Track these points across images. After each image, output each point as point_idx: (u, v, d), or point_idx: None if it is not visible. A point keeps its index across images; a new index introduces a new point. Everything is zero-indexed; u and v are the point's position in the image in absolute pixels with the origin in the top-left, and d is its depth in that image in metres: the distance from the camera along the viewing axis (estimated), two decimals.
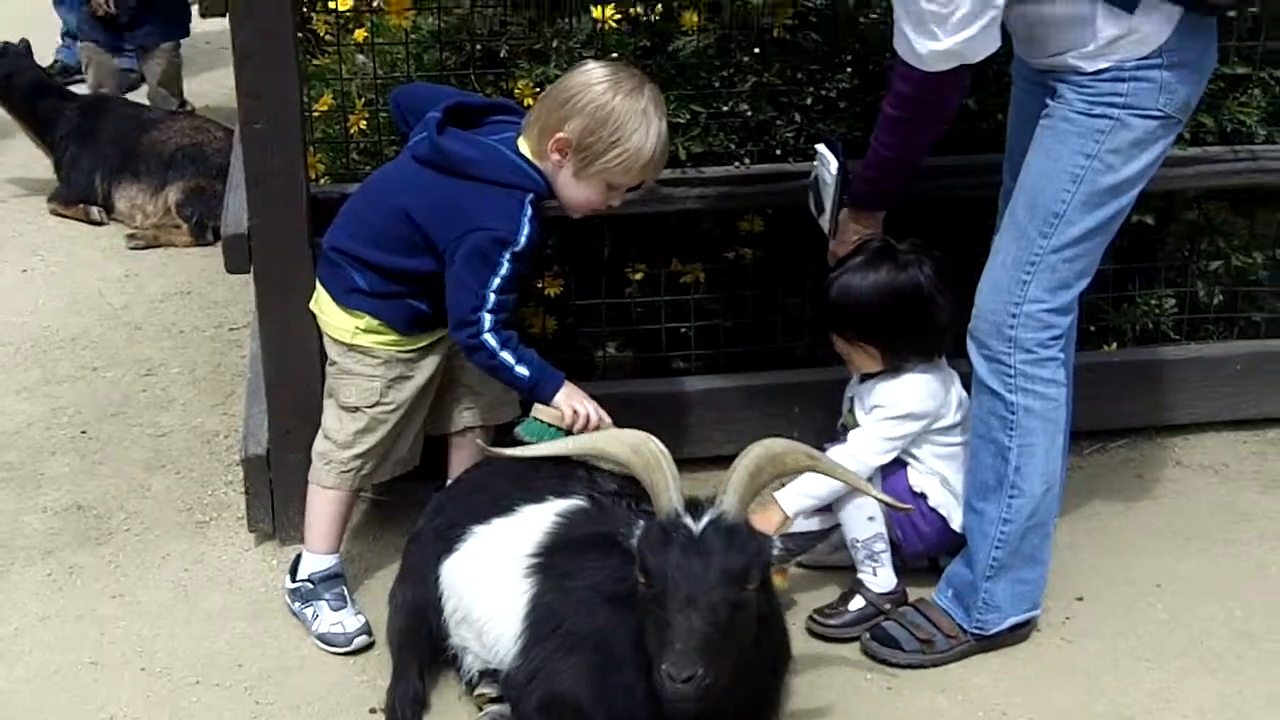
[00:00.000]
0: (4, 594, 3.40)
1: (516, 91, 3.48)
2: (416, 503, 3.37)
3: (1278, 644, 3.24)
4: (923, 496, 3.29)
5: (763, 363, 3.85)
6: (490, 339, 3.01)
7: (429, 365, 3.24)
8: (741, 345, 3.84)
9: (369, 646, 3.20)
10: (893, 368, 3.28)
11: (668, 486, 2.59)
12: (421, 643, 3.05)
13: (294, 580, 3.30)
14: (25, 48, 5.92)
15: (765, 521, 3.09)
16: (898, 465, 3.30)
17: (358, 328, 3.16)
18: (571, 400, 3.07)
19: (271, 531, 3.57)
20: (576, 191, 3.08)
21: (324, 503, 3.29)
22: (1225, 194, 3.94)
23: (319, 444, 3.29)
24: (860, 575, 3.27)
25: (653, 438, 2.66)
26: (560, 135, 3.00)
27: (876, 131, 3.22)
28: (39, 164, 5.99)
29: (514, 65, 3.53)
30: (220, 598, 3.39)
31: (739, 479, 2.59)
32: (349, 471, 3.26)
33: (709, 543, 2.53)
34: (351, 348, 3.18)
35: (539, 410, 3.09)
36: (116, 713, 3.02)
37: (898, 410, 3.24)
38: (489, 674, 2.95)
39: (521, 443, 3.04)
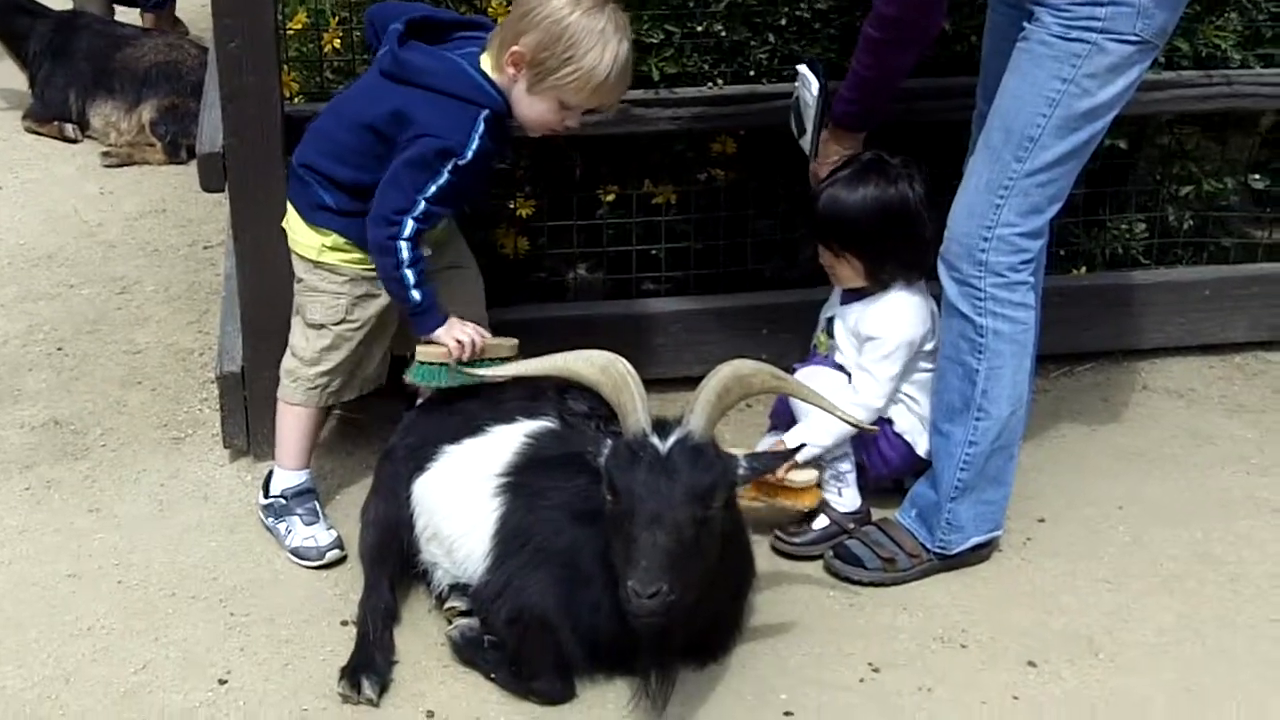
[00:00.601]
0: None
1: (491, 10, 3.46)
2: (388, 420, 3.41)
3: (1237, 566, 3.29)
4: (889, 422, 3.32)
5: (733, 285, 3.87)
6: (404, 247, 2.99)
7: None
8: (712, 267, 3.86)
9: (341, 560, 3.24)
10: (876, 284, 3.29)
11: (635, 407, 2.62)
12: (392, 557, 3.08)
13: (266, 496, 3.33)
14: None
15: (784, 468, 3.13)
16: None
17: (324, 245, 3.16)
18: (451, 332, 3.07)
19: (246, 447, 3.59)
20: (530, 109, 3.04)
21: (293, 419, 3.31)
22: (1198, 119, 3.94)
23: (286, 361, 3.30)
24: (825, 494, 3.31)
25: (621, 359, 2.69)
26: (515, 49, 2.96)
27: (857, 52, 3.22)
28: (13, 80, 5.95)
29: None
30: (196, 512, 3.42)
31: (706, 399, 2.63)
32: (315, 389, 3.28)
33: (675, 462, 2.57)
34: (318, 264, 3.18)
35: (423, 353, 3.09)
36: (94, 624, 3.06)
37: (894, 341, 3.24)
38: (459, 588, 2.99)
39: (414, 389, 3.13)
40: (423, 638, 3.03)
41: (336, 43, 3.58)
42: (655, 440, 2.61)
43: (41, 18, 5.85)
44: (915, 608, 3.14)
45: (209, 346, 4.07)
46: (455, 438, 3.05)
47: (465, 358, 3.07)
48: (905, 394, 3.33)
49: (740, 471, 2.71)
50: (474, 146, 2.97)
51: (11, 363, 4.05)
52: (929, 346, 3.31)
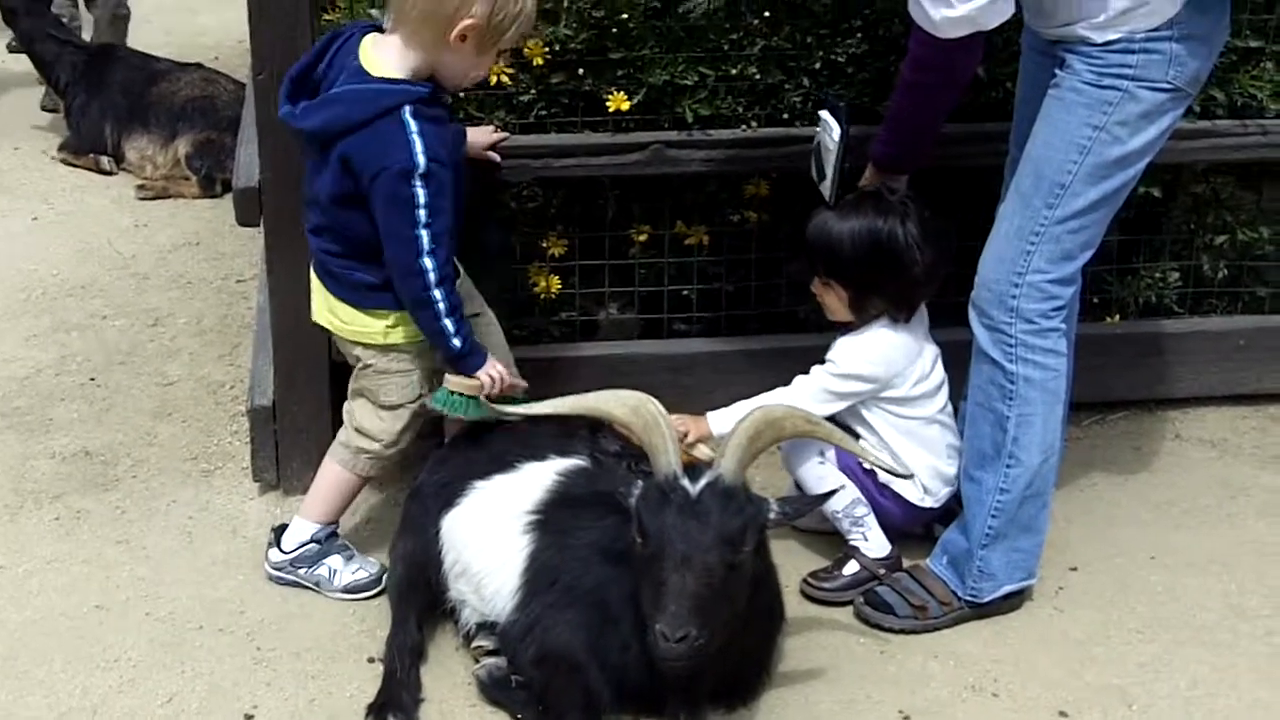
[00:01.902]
0: (13, 537, 3.44)
1: (526, 51, 3.48)
2: (417, 457, 3.41)
3: (1272, 618, 3.26)
4: (871, 474, 3.29)
5: (764, 326, 3.87)
6: (438, 296, 2.95)
7: None
8: (744, 309, 3.86)
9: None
10: (859, 317, 3.28)
11: (666, 448, 2.62)
12: (420, 595, 3.08)
13: (286, 550, 3.27)
14: None
15: (694, 429, 3.14)
16: (850, 437, 3.28)
17: (388, 327, 3.10)
18: (486, 368, 3.07)
19: (275, 481, 3.60)
20: (474, 68, 3.01)
21: (347, 483, 3.28)
22: (1233, 168, 3.92)
23: (357, 440, 3.23)
24: (852, 541, 3.29)
25: (652, 399, 2.69)
26: (468, 23, 2.88)
27: (894, 94, 3.24)
28: (46, 114, 6.00)
29: None
30: (224, 545, 3.43)
31: (737, 442, 2.62)
32: (388, 461, 3.28)
33: (706, 504, 2.57)
34: (386, 348, 3.14)
35: (454, 383, 3.08)
36: (121, 656, 3.06)
37: (845, 368, 3.24)
38: (486, 627, 2.99)
39: (435, 413, 3.12)
40: (450, 676, 3.02)
41: None
42: (686, 482, 2.60)
43: (71, 47, 5.90)
44: (946, 656, 3.12)
45: (240, 380, 4.08)
46: (485, 474, 3.05)
47: (496, 393, 3.06)
48: (885, 441, 3.30)
49: (771, 515, 2.69)
50: (419, 148, 2.88)
51: (43, 393, 4.07)
52: (901, 391, 3.27)
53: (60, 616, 3.17)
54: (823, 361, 3.33)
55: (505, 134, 3.48)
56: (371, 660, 3.05)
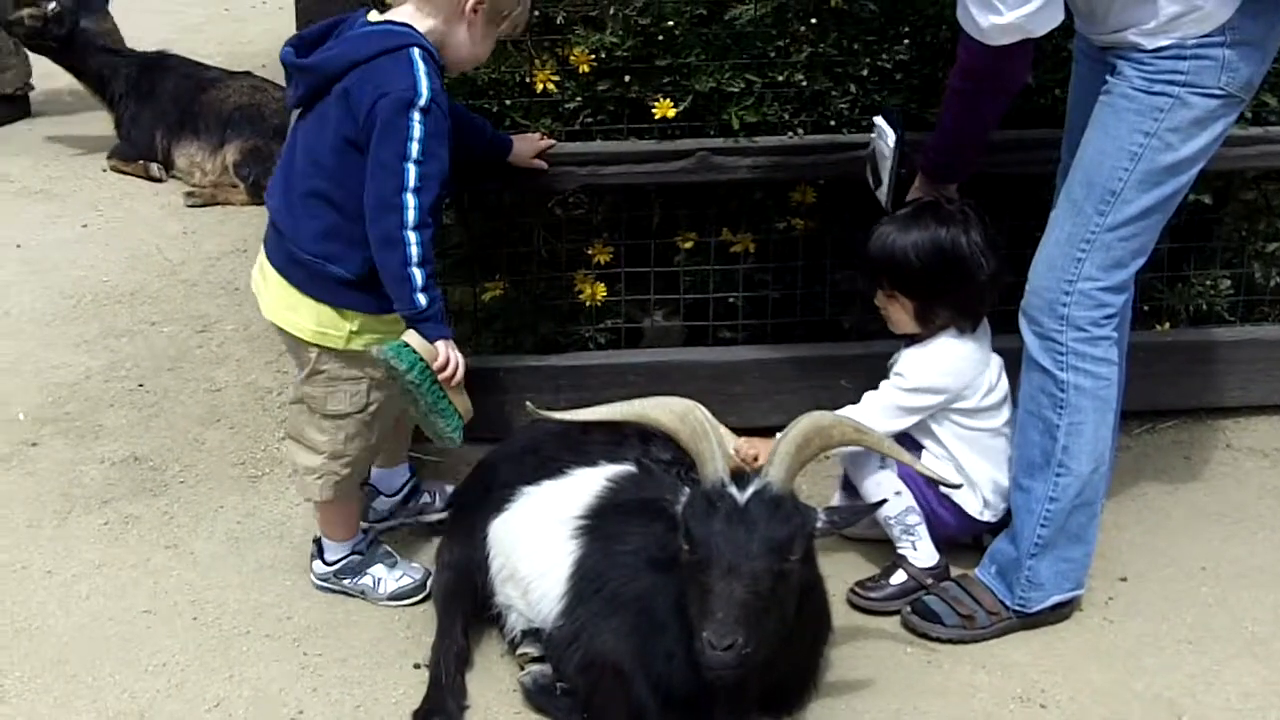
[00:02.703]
0: (62, 541, 3.47)
1: (573, 58, 3.49)
2: (464, 462, 3.41)
3: None
4: (933, 484, 3.26)
5: (810, 334, 3.85)
6: (412, 239, 2.82)
7: None
8: (790, 316, 3.85)
9: None
10: (926, 328, 3.27)
11: (714, 455, 2.61)
12: (467, 600, 3.09)
13: (329, 563, 3.27)
14: (75, 3, 5.95)
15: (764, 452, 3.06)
16: (913, 447, 3.28)
17: (352, 330, 3.02)
18: (449, 345, 2.93)
19: None
20: (478, 49, 3.02)
21: (330, 511, 3.24)
22: None
23: (306, 460, 3.14)
24: (900, 550, 3.27)
25: (700, 406, 2.68)
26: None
27: (943, 103, 3.23)
28: (98, 121, 6.06)
29: (570, 31, 3.54)
30: (271, 550, 3.44)
31: (785, 450, 2.61)
32: (344, 480, 3.16)
33: (753, 512, 2.55)
34: (342, 354, 3.05)
35: (409, 335, 2.90)
36: (169, 660, 3.08)
37: (915, 381, 3.22)
38: (532, 634, 2.99)
39: (380, 363, 2.90)
40: (495, 683, 3.02)
41: None
42: (734, 490, 2.59)
43: (125, 57, 5.96)
44: (994, 666, 3.09)
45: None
46: (534, 479, 3.05)
47: (447, 374, 2.91)
48: (950, 451, 3.29)
49: (819, 524, 2.68)
50: (425, 84, 2.83)
51: (93, 399, 4.10)
52: (971, 403, 3.26)
53: (108, 621, 3.20)
54: (887, 375, 3.31)
55: (552, 141, 3.48)
56: (417, 666, 3.05)
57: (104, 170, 5.88)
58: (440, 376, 2.91)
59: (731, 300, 3.82)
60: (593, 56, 3.48)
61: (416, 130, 2.81)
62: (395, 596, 3.25)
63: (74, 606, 3.24)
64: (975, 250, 3.18)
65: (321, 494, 3.16)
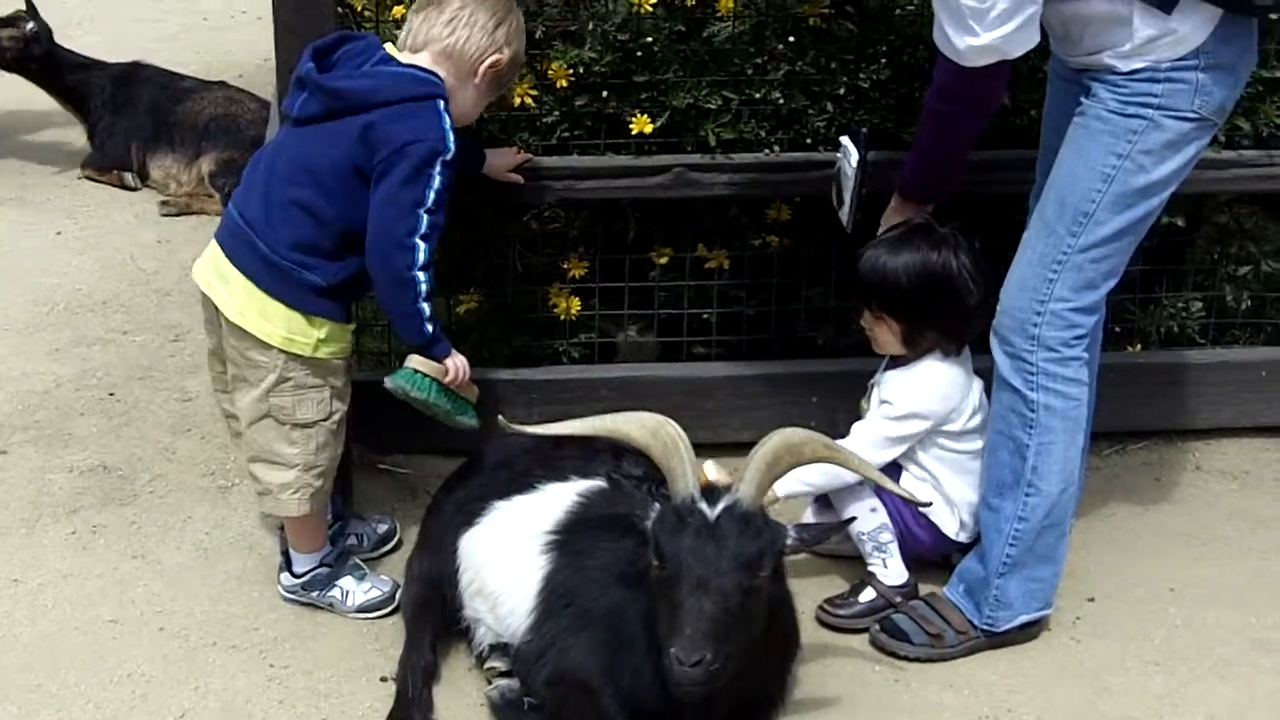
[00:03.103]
0: (29, 550, 3.45)
1: (551, 73, 3.49)
2: (435, 475, 3.41)
3: None
4: (910, 502, 3.28)
5: (784, 351, 3.85)
6: (421, 279, 2.94)
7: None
8: (764, 333, 3.85)
9: None
10: (911, 350, 3.27)
11: (684, 471, 2.61)
12: (435, 613, 3.08)
13: (297, 575, 3.25)
14: (47, 26, 5.91)
15: None
16: (893, 468, 3.28)
17: (319, 339, 3.03)
18: (455, 358, 3.08)
19: None
20: (474, 110, 3.15)
21: (302, 525, 3.22)
22: (1258, 198, 3.90)
23: (278, 477, 3.12)
24: (870, 567, 3.27)
25: (672, 422, 2.68)
26: (496, 58, 3.04)
27: (920, 124, 3.23)
28: (73, 128, 6.03)
29: (549, 46, 3.54)
30: (239, 562, 3.43)
31: (755, 467, 2.61)
32: (318, 490, 3.15)
33: (723, 528, 2.55)
34: (310, 361, 3.05)
35: (415, 360, 3.06)
36: (134, 670, 3.06)
37: (904, 408, 3.22)
38: (500, 648, 2.98)
39: (397, 393, 3.05)
40: (462, 697, 3.01)
41: None
42: (704, 506, 2.59)
43: (100, 70, 5.93)
44: (961, 685, 3.10)
45: None
46: (505, 493, 3.05)
47: (457, 382, 3.07)
48: (930, 473, 3.29)
49: (789, 541, 2.68)
50: (451, 136, 2.95)
51: (63, 407, 4.08)
52: (956, 425, 3.26)
53: (74, 631, 3.17)
54: (866, 395, 3.31)
55: (528, 156, 3.49)
56: (384, 679, 3.04)
57: (78, 179, 5.86)
58: (453, 385, 3.07)
59: (706, 316, 3.82)
60: (571, 71, 3.49)
61: (437, 181, 2.92)
62: (363, 609, 3.24)
63: (40, 615, 3.22)
64: (965, 274, 3.19)
65: (299, 509, 3.14)
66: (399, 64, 3.01)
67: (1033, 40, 2.83)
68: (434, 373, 3.06)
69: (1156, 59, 2.83)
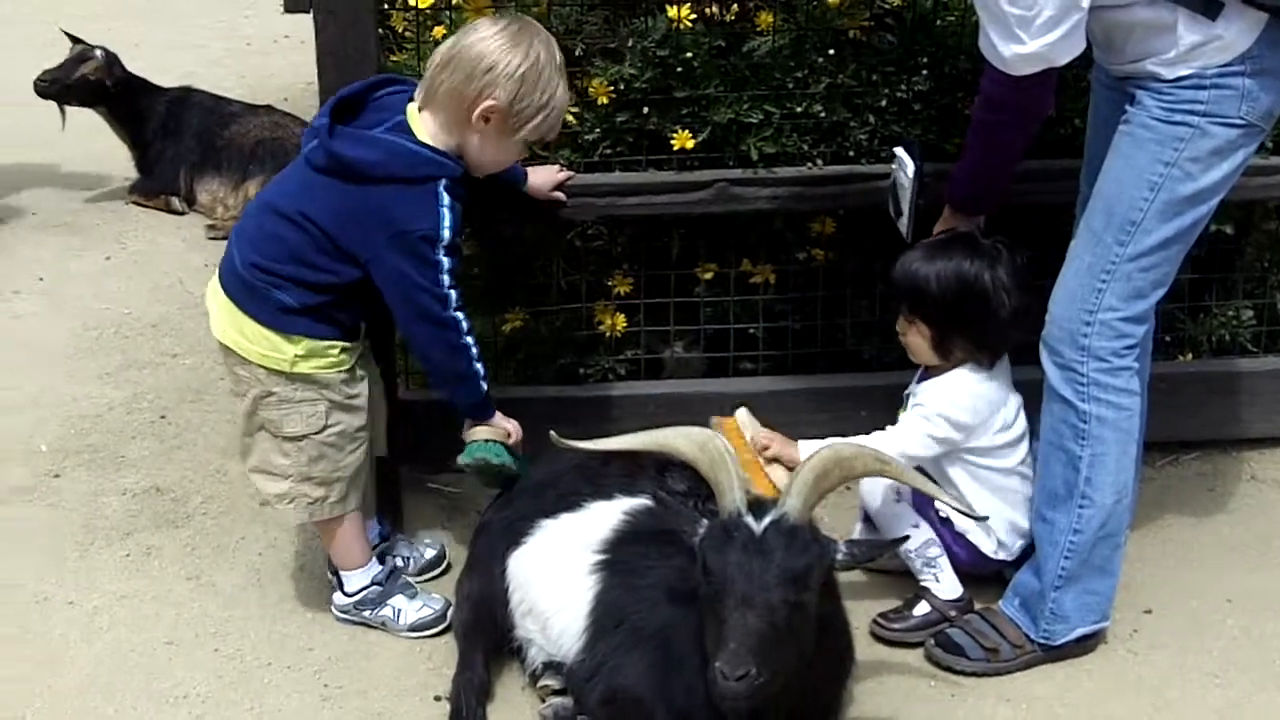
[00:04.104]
0: (85, 573, 3.48)
1: (591, 90, 3.50)
2: (484, 494, 3.41)
3: None
4: (947, 522, 3.27)
5: (830, 365, 3.84)
6: (470, 342, 3.02)
7: (364, 387, 3.18)
8: (810, 347, 3.84)
9: None
10: (943, 359, 3.26)
11: (731, 485, 2.60)
12: (487, 633, 3.08)
13: (349, 594, 3.27)
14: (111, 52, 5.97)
15: (782, 448, 3.16)
16: None
17: (297, 355, 3.04)
18: (503, 419, 3.16)
19: None
20: (499, 155, 3.04)
21: (331, 538, 3.24)
22: None
23: (272, 487, 3.16)
24: (923, 582, 3.26)
25: (720, 436, 2.67)
26: (490, 104, 2.92)
27: (968, 136, 3.23)
28: (120, 153, 6.09)
29: (589, 64, 3.56)
30: (292, 582, 3.45)
31: (803, 480, 2.59)
32: (316, 502, 3.16)
33: (769, 543, 2.54)
34: (292, 377, 3.06)
35: (483, 431, 3.13)
36: (190, 692, 3.08)
37: (934, 407, 3.21)
38: (552, 666, 2.98)
39: (478, 467, 3.14)
40: (516, 715, 3.01)
41: None
42: (750, 520, 2.58)
43: (157, 94, 5.99)
44: (1018, 699, 3.07)
45: None
46: (552, 512, 3.04)
47: (516, 439, 3.15)
48: (963, 493, 3.27)
49: (839, 557, 2.65)
50: (447, 223, 2.93)
51: (115, 430, 4.12)
52: (985, 441, 3.24)
53: (130, 652, 3.20)
54: (903, 406, 3.30)
55: (570, 173, 3.49)
56: (438, 698, 3.05)
57: (126, 204, 5.92)
58: (514, 443, 3.16)
59: (751, 331, 3.81)
60: (611, 88, 3.49)
61: (445, 264, 2.94)
62: (416, 628, 3.25)
63: (95, 637, 3.25)
64: (998, 286, 3.17)
65: (295, 517, 3.19)
66: (408, 134, 2.96)
67: (1079, 47, 2.81)
68: (499, 436, 3.13)
69: (1202, 65, 2.81)
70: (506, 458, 3.13)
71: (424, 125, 2.98)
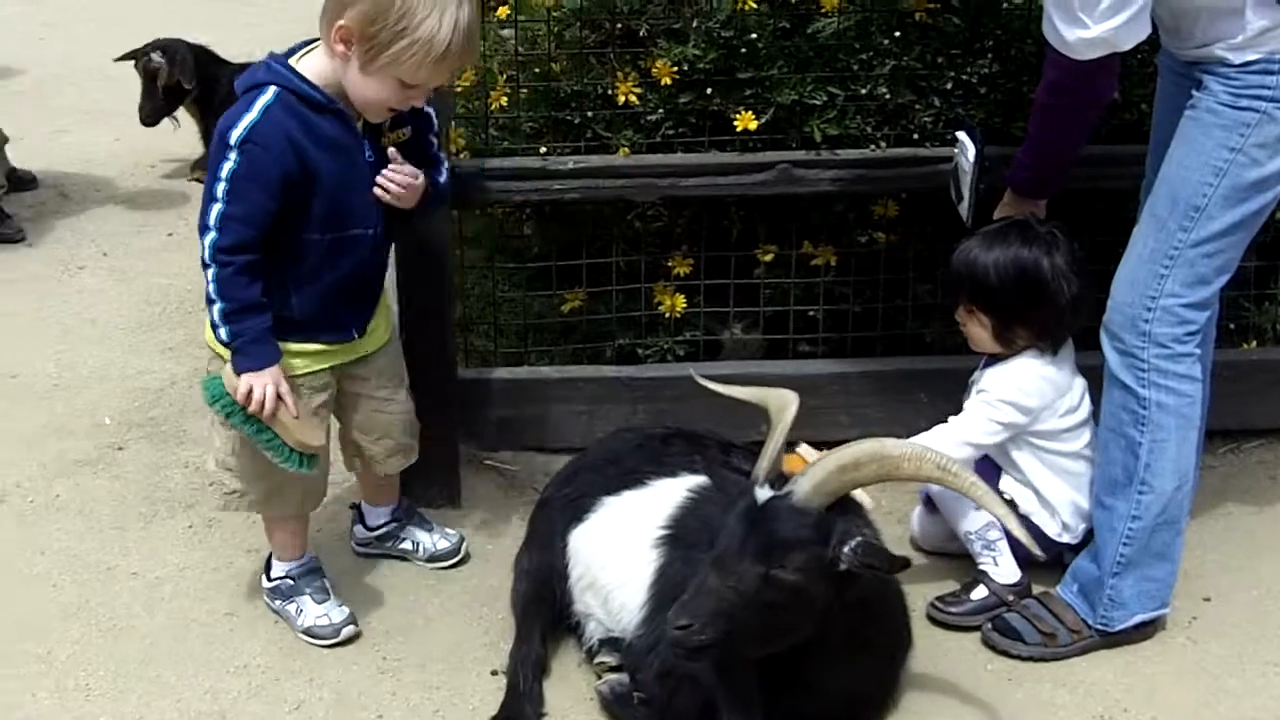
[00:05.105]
0: (148, 544, 3.52)
1: (655, 70, 3.50)
2: (541, 471, 3.43)
3: None
4: (1011, 503, 3.23)
5: (891, 349, 3.84)
6: (207, 275, 2.75)
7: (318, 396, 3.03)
8: (870, 330, 3.83)
9: (356, 637, 3.17)
10: (1005, 348, 3.24)
11: (766, 453, 2.59)
12: (545, 608, 3.09)
13: (269, 579, 3.25)
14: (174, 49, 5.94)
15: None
16: (992, 472, 3.26)
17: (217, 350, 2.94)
18: (254, 380, 2.80)
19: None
20: (367, 89, 2.74)
21: (269, 525, 3.23)
22: None
23: (207, 463, 3.16)
24: (981, 565, 3.25)
25: (795, 405, 2.66)
26: (340, 24, 2.68)
27: (1031, 120, 3.21)
28: (184, 130, 6.15)
29: (653, 44, 3.57)
30: (350, 556, 3.47)
31: (824, 465, 2.51)
32: (233, 494, 3.09)
33: (764, 514, 2.52)
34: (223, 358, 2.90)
35: (226, 370, 2.85)
36: (250, 662, 3.11)
37: (998, 393, 3.19)
38: (610, 643, 2.99)
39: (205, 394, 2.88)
40: (572, 690, 3.03)
41: (504, 100, 3.64)
42: (758, 490, 2.56)
43: (224, 69, 6.00)
44: (1075, 685, 3.06)
45: None
46: (614, 489, 3.06)
47: (254, 409, 2.82)
48: (1028, 475, 3.26)
49: (842, 555, 2.50)
50: (250, 121, 2.71)
51: (177, 404, 4.17)
52: (1051, 425, 3.23)
53: (191, 623, 3.24)
54: (968, 394, 3.29)
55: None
56: (495, 673, 3.07)
57: (189, 180, 5.97)
58: (251, 411, 2.83)
59: (811, 313, 3.81)
60: (675, 69, 3.50)
61: (226, 169, 2.72)
62: (307, 634, 3.16)
63: (157, 608, 3.29)
64: (1057, 274, 3.15)
65: (214, 503, 3.13)
66: (282, 59, 2.83)
67: (1143, 32, 2.79)
68: (230, 389, 2.84)
69: (1270, 50, 2.78)
70: (218, 407, 2.86)
71: (310, 60, 2.82)
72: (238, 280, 2.77)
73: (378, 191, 2.89)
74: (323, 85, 2.79)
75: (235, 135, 2.70)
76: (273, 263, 2.84)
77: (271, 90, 2.74)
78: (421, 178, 2.95)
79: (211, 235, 2.74)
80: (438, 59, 2.68)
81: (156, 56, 5.86)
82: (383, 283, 3.11)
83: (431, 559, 3.37)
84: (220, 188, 2.71)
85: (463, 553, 3.39)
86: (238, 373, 2.82)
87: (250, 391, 2.81)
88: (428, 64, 2.68)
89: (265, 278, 2.83)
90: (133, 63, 5.92)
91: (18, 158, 5.84)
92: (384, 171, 2.90)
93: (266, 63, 2.83)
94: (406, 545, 3.37)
